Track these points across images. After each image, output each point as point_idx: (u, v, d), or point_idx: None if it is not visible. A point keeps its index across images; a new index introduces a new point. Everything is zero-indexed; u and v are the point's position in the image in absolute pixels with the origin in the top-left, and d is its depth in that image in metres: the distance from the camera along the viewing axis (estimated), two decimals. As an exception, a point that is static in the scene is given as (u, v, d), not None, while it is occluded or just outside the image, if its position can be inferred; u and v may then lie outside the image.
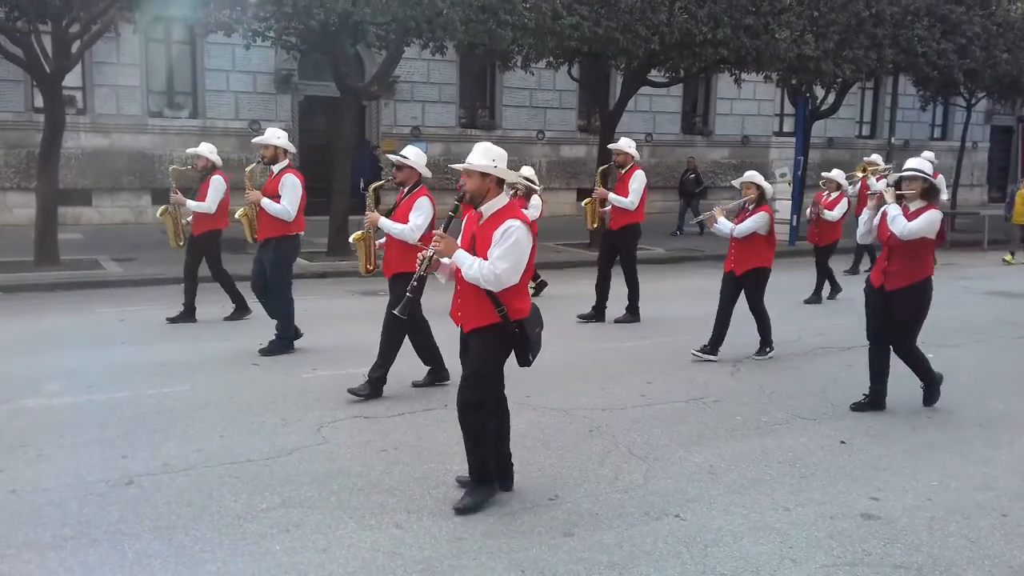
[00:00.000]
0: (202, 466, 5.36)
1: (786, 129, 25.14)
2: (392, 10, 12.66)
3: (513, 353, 4.86)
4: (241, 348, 8.33)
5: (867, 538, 4.58)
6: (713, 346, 8.28)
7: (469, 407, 4.75)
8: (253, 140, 8.78)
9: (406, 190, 6.85)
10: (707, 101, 24.97)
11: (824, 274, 11.79)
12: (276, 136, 8.22)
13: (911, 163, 6.52)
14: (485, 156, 4.70)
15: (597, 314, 9.97)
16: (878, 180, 13.03)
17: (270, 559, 4.22)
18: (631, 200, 9.57)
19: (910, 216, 6.35)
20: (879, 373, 6.77)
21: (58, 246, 12.94)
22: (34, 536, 4.39)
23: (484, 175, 4.68)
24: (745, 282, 8.27)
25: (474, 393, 4.75)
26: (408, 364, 7.26)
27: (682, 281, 13.04)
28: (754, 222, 8.12)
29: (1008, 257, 16.50)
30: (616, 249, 9.97)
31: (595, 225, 10.35)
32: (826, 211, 11.58)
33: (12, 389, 6.84)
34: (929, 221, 6.32)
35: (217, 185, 9.80)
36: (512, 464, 5.06)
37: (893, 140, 19.97)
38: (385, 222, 6.81)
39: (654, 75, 17.61)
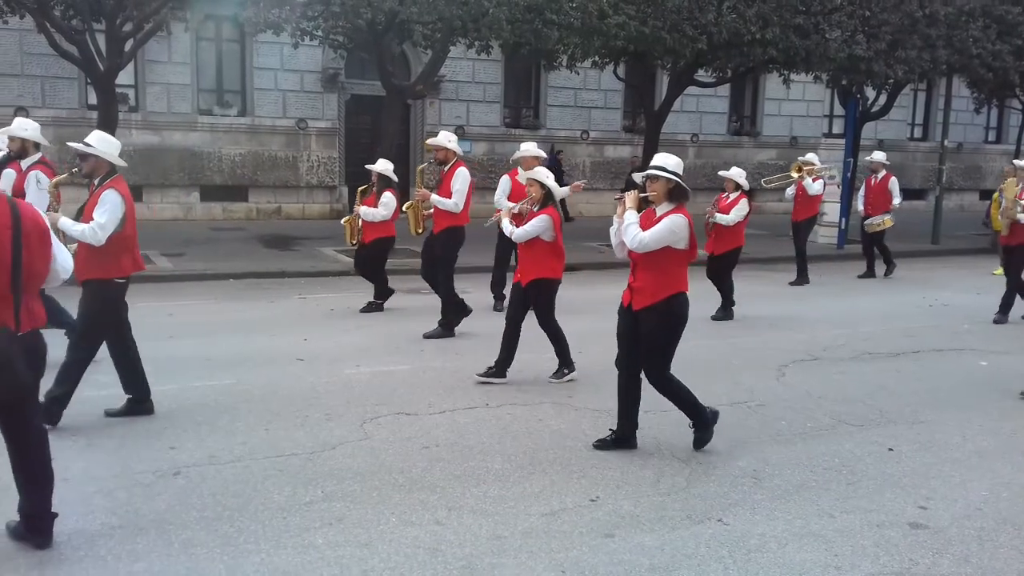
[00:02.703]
0: (247, 458, 5.44)
1: (836, 130, 24.77)
2: (438, 9, 12.71)
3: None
4: (286, 344, 8.43)
5: (914, 547, 4.49)
6: (500, 367, 7.25)
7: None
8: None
9: (96, 182, 5.92)
10: (755, 101, 24.71)
11: (726, 287, 10.31)
12: (23, 128, 7.94)
13: (657, 159, 5.60)
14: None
15: (443, 330, 8.97)
16: (815, 181, 12.79)
17: (313, 552, 4.26)
18: (455, 201, 8.75)
19: (652, 223, 5.50)
20: (628, 406, 5.81)
21: (109, 241, 13.18)
22: (84, 524, 4.49)
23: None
24: (530, 294, 7.23)
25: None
26: (433, 358, 7.28)
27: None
28: (534, 226, 7.05)
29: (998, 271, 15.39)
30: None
31: (420, 231, 9.60)
32: (719, 214, 10.14)
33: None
34: (669, 230, 5.40)
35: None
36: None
37: (946, 143, 19.54)
38: (65, 222, 5.86)
39: (701, 75, 17.50)
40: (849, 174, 17.56)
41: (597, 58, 16.49)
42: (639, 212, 5.59)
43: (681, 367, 7.90)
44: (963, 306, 11.19)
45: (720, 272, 10.31)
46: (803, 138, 24.79)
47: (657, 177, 5.50)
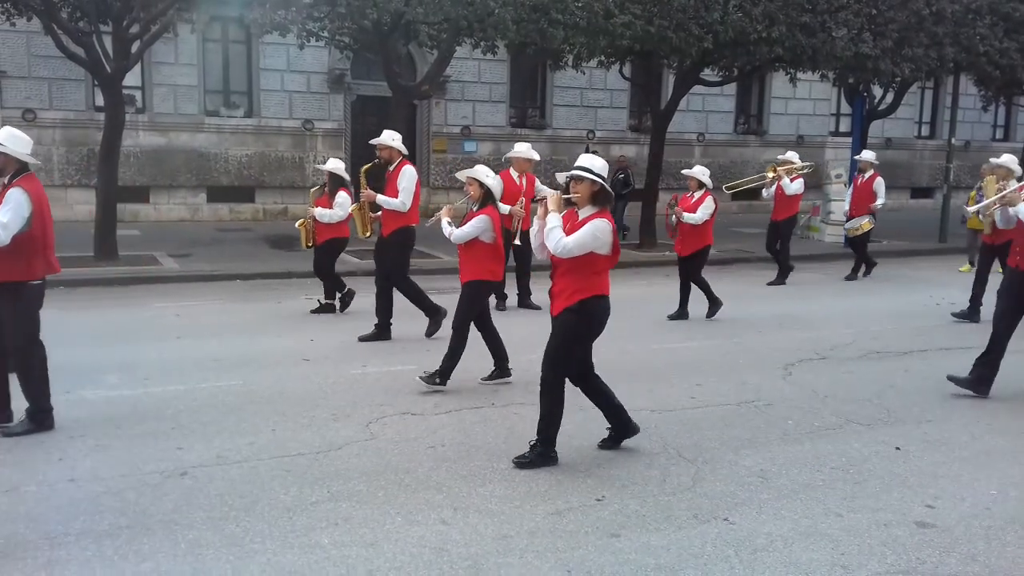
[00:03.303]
0: (254, 459, 5.45)
1: (842, 129, 24.72)
2: (444, 9, 12.72)
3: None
4: (292, 344, 8.45)
5: (922, 546, 4.47)
6: (443, 374, 6.99)
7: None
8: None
9: (6, 181, 5.67)
10: (761, 100, 24.67)
11: (701, 286, 10.12)
12: None
13: (582, 160, 5.39)
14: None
15: (380, 332, 8.74)
16: (793, 181, 12.54)
17: (319, 552, 4.27)
18: (402, 200, 8.43)
19: (575, 226, 5.29)
20: (606, 404, 5.75)
21: (117, 242, 13.25)
22: (91, 524, 4.50)
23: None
24: (464, 292, 7.00)
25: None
26: (439, 358, 7.27)
27: (730, 282, 12.86)
28: (473, 227, 6.82)
29: (965, 267, 14.47)
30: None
31: (367, 234, 9.34)
32: (685, 213, 9.93)
33: (72, 380, 7.01)
34: (592, 235, 5.19)
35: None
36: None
37: (953, 141, 19.46)
38: None
39: (707, 74, 17.45)
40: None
41: (603, 57, 16.47)
42: (560, 214, 5.36)
43: (689, 367, 7.94)
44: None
45: (692, 273, 10.15)
46: (810, 137, 24.75)
47: (582, 179, 5.30)
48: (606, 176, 5.37)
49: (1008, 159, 9.44)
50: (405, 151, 8.73)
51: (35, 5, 12.81)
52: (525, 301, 10.55)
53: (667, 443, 5.90)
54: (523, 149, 10.28)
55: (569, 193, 5.38)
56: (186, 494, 4.89)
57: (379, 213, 8.78)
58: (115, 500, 4.77)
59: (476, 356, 7.29)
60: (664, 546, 4.40)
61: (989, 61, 17.66)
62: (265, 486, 5.03)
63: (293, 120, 19.37)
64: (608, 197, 5.37)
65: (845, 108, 23.05)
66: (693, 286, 10.17)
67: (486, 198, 6.88)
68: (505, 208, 10.15)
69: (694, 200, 10.03)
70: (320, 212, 9.77)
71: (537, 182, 10.39)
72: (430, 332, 8.85)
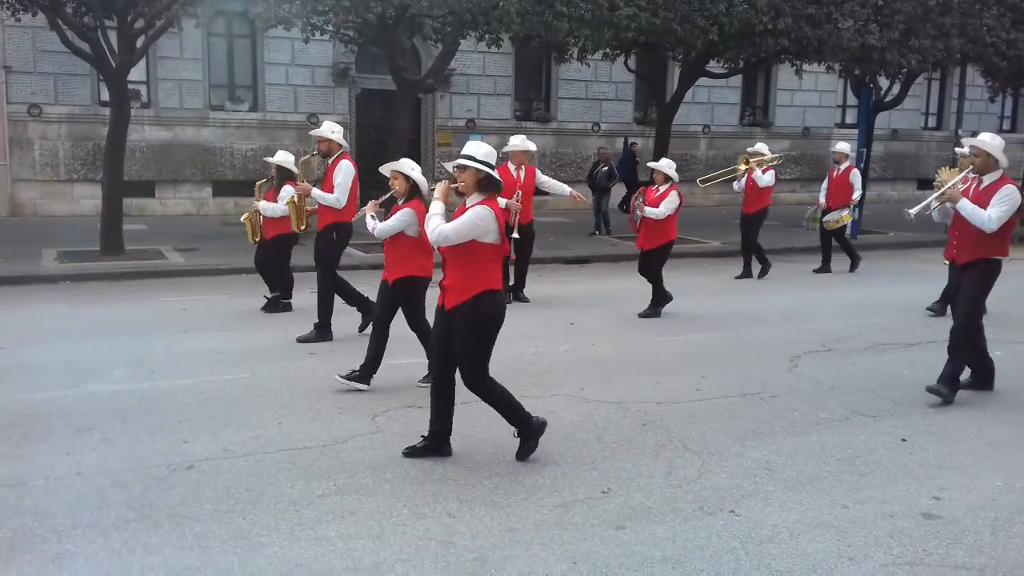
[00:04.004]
0: (260, 452, 5.46)
1: (849, 121, 24.65)
2: (448, 2, 12.70)
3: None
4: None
5: (928, 538, 4.47)
6: (364, 373, 6.80)
7: None
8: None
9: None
10: (767, 92, 24.60)
11: (655, 281, 9.90)
12: None
13: (467, 148, 5.28)
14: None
15: (320, 333, 8.44)
16: (764, 173, 12.27)
17: (325, 544, 4.28)
18: (336, 196, 8.10)
19: (455, 216, 5.16)
20: (442, 410, 5.47)
21: (123, 236, 13.28)
22: (98, 517, 4.52)
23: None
24: (397, 293, 6.70)
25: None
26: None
27: (736, 274, 12.85)
28: (397, 220, 6.48)
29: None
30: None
31: (303, 228, 9.04)
32: (648, 208, 9.64)
33: (79, 374, 7.04)
34: (473, 222, 5.06)
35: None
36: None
37: (960, 132, 19.40)
38: None
39: (712, 66, 17.42)
40: (863, 165, 17.45)
41: (608, 50, 16.45)
42: (448, 203, 5.18)
43: (694, 359, 7.93)
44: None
45: (651, 268, 9.88)
46: (816, 128, 24.69)
47: (465, 167, 5.16)
48: (492, 163, 5.21)
49: (983, 142, 7.05)
50: (345, 144, 8.41)
51: (40, 0, 12.83)
52: (518, 293, 10.50)
53: (673, 435, 5.90)
54: (518, 141, 10.25)
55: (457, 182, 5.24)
56: (193, 487, 4.90)
57: (316, 207, 8.47)
58: (122, 493, 4.79)
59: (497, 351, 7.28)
60: (670, 538, 4.41)
61: (996, 52, 17.59)
62: (271, 479, 5.04)
63: (298, 114, 19.37)
64: (494, 184, 5.22)
65: (851, 100, 23.02)
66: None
67: (412, 192, 6.53)
68: (502, 202, 10.16)
69: (659, 194, 9.77)
70: (264, 206, 9.38)
71: (538, 173, 10.35)
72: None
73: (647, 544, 4.34)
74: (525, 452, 5.42)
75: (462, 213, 5.18)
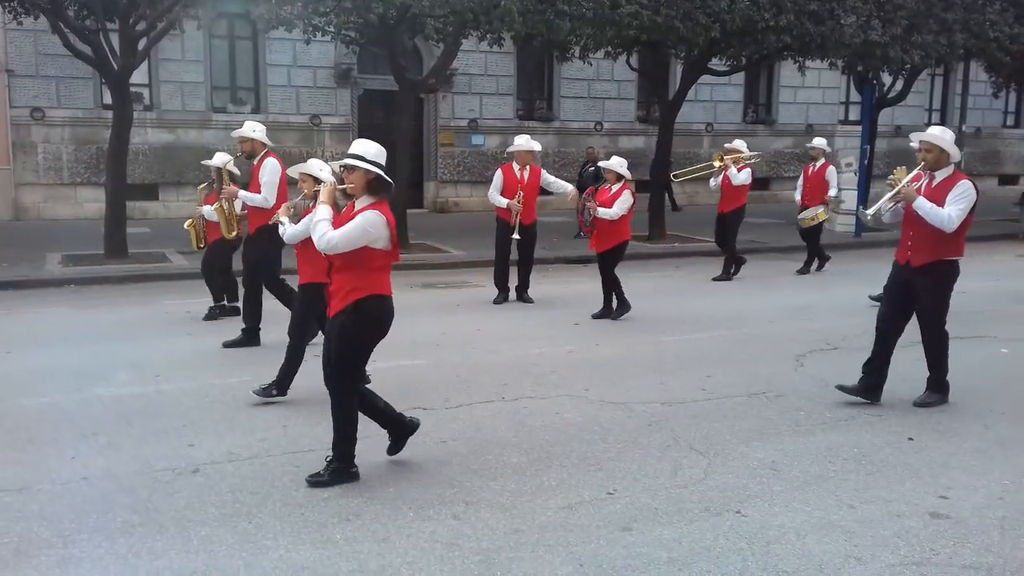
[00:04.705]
0: (265, 455, 5.46)
1: (852, 117, 24.58)
2: (450, 2, 12.68)
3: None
4: (302, 339, 8.44)
5: (935, 537, 4.45)
6: (280, 384, 6.52)
7: None
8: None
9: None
10: (770, 89, 24.55)
11: (612, 284, 9.62)
12: None
13: (356, 147, 5.00)
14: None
15: (248, 337, 8.17)
16: (740, 171, 11.99)
17: (331, 547, 4.27)
18: (264, 196, 7.93)
19: (348, 218, 4.93)
20: (378, 416, 5.32)
21: (127, 239, 13.29)
22: (104, 522, 4.52)
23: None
24: (301, 295, 6.63)
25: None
26: (449, 353, 7.28)
27: (742, 272, 12.82)
28: (307, 225, 5.93)
29: None
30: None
31: (233, 233, 8.79)
32: (601, 208, 9.37)
33: (84, 378, 7.05)
34: (362, 228, 4.80)
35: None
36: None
37: (964, 128, 19.36)
38: None
39: (715, 63, 17.36)
40: (866, 161, 17.41)
41: (610, 48, 16.39)
42: (337, 206, 4.97)
43: (699, 359, 7.91)
44: (982, 293, 11.05)
45: (605, 270, 9.62)
46: (819, 125, 24.58)
47: (354, 168, 4.88)
48: (383, 162, 4.94)
49: (933, 135, 6.43)
50: (268, 143, 8.11)
51: (42, 4, 12.85)
52: (522, 294, 10.49)
53: (678, 436, 5.89)
54: (523, 141, 10.23)
55: (344, 183, 4.98)
56: (198, 491, 4.90)
57: (247, 211, 8.31)
58: (128, 498, 4.79)
59: (498, 351, 7.29)
60: (676, 539, 4.39)
61: (999, 47, 17.53)
62: (276, 482, 5.04)
63: (300, 115, 19.37)
64: (386, 186, 4.95)
65: (854, 96, 22.98)
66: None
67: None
68: (503, 202, 10.15)
69: (611, 193, 9.51)
70: (208, 210, 9.14)
71: (544, 173, 10.34)
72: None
73: (653, 545, 4.33)
74: (319, 479, 4.98)
75: (349, 216, 4.89)
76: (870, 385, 6.60)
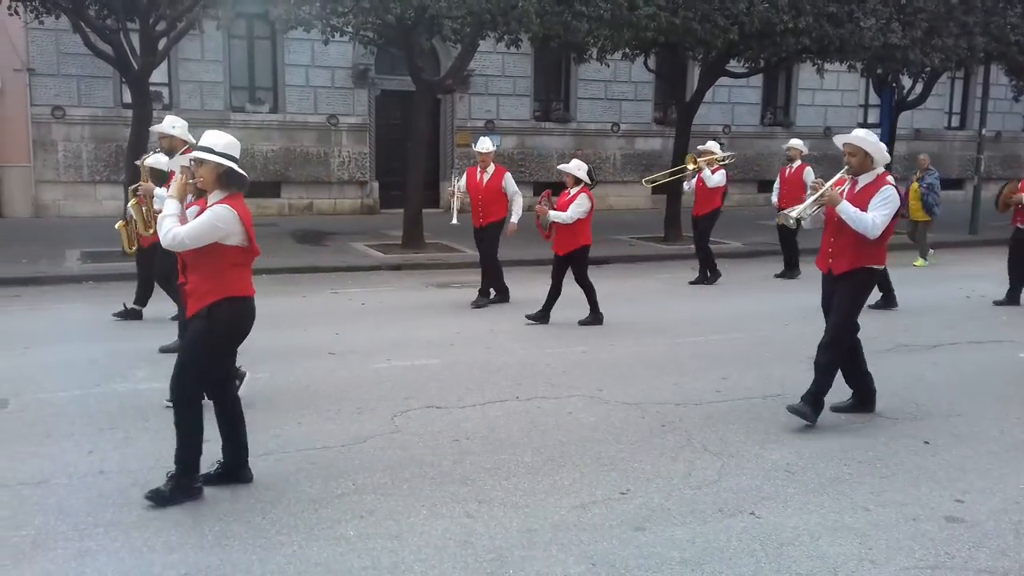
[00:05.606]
0: (280, 452, 5.49)
1: (871, 120, 24.42)
2: (467, 3, 12.70)
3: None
4: (318, 338, 8.49)
5: (951, 541, 4.42)
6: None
7: None
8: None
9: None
10: (788, 91, 24.44)
11: (586, 289, 9.41)
12: None
13: (205, 138, 4.76)
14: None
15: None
16: (714, 173, 11.71)
17: (344, 544, 4.29)
18: None
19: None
20: (227, 428, 5.03)
21: (145, 237, 13.36)
22: (120, 515, 4.55)
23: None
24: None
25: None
26: (463, 352, 7.28)
27: (757, 274, 12.79)
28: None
29: (919, 261, 14.11)
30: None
31: (152, 231, 7.98)
32: (554, 211, 9.15)
33: (102, 374, 7.10)
34: (211, 224, 4.57)
35: None
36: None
37: (984, 132, 19.20)
38: None
39: (733, 65, 17.31)
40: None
41: (627, 50, 16.37)
42: (184, 201, 4.74)
43: (714, 360, 7.89)
44: (1001, 297, 10.97)
45: (576, 276, 9.35)
46: (837, 128, 24.42)
47: (203, 161, 4.62)
48: (235, 154, 4.70)
49: (858, 138, 6.06)
50: (190, 139, 7.58)
51: (63, 3, 12.95)
52: (478, 297, 10.37)
53: (692, 437, 5.88)
54: (485, 143, 10.25)
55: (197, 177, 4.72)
56: (213, 486, 4.92)
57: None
58: (143, 492, 4.81)
59: (513, 350, 7.28)
60: (689, 540, 4.39)
61: (1020, 50, 17.40)
62: (291, 479, 5.07)
63: (318, 115, 19.45)
64: (239, 180, 4.70)
65: (873, 99, 22.84)
66: (577, 288, 9.30)
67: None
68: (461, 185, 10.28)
69: (569, 196, 9.22)
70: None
71: (507, 178, 10.16)
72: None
73: (666, 546, 4.32)
74: (159, 494, 4.66)
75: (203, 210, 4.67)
76: (861, 399, 6.48)
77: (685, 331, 9.13)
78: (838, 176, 6.16)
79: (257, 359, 7.67)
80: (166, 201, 4.74)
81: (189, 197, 5.14)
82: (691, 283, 12.10)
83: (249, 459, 5.11)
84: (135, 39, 13.27)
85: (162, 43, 13.38)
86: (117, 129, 17.64)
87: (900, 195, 6.04)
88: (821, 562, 4.19)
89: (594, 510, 4.72)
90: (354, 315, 9.83)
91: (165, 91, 18.29)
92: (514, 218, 10.16)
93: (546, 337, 8.76)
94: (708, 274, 12.15)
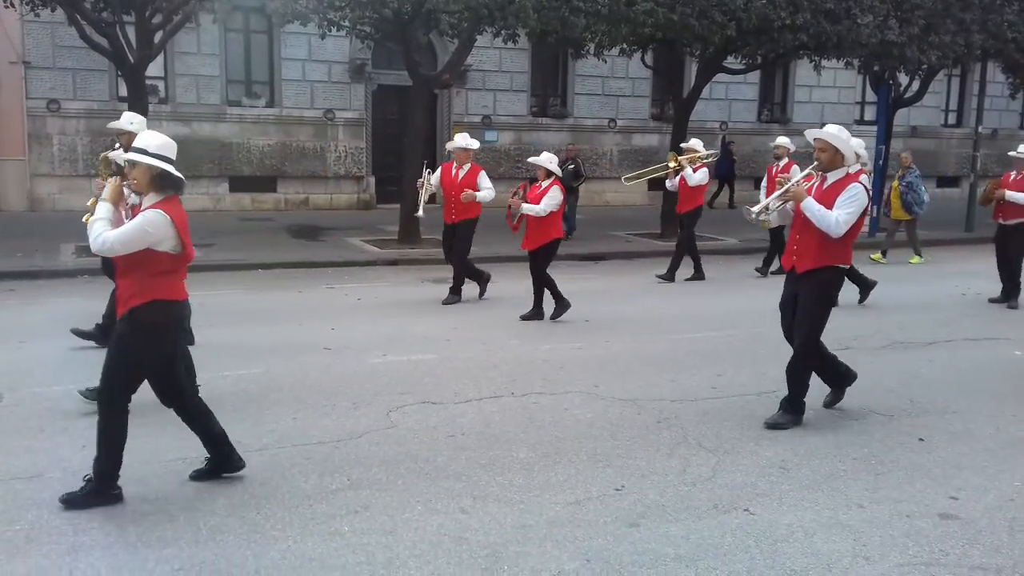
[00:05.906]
0: (275, 447, 5.48)
1: (867, 117, 24.46)
2: (465, -2, 12.69)
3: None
4: (314, 333, 8.48)
5: (945, 538, 4.43)
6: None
7: None
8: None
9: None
10: (785, 88, 24.46)
11: (543, 283, 9.35)
12: None
13: (139, 140, 4.60)
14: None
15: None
16: (696, 171, 11.67)
17: (339, 539, 4.29)
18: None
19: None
20: (204, 432, 4.95)
21: (140, 231, 13.33)
22: (114, 510, 4.54)
23: None
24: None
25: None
26: (459, 348, 7.28)
27: (751, 271, 12.78)
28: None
29: (914, 259, 14.24)
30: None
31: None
32: (526, 205, 9.06)
33: (95, 370, 7.02)
34: (141, 229, 4.42)
35: None
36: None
37: (980, 129, 19.22)
38: None
39: (730, 62, 17.31)
40: (882, 161, 17.32)
41: (625, 45, 16.36)
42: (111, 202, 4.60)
43: (709, 357, 7.89)
44: (998, 295, 11.00)
45: (537, 268, 9.33)
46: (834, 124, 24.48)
47: (135, 163, 4.49)
48: (171, 155, 4.57)
49: (829, 134, 5.92)
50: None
51: (59, -4, 12.91)
52: (450, 294, 10.29)
53: (687, 433, 5.88)
54: (459, 141, 10.11)
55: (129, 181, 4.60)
56: (208, 481, 4.92)
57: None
58: (138, 487, 4.81)
59: (510, 346, 7.27)
60: (684, 536, 4.39)
61: (1017, 48, 17.41)
62: (286, 474, 5.06)
63: (314, 110, 19.42)
64: (174, 182, 4.57)
65: (870, 96, 22.80)
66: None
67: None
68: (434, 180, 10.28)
69: (541, 190, 9.17)
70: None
71: (481, 173, 10.05)
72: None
73: (661, 542, 4.32)
74: (84, 503, 4.52)
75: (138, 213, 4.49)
76: (839, 384, 6.45)
77: (681, 327, 9.14)
78: (806, 172, 6.07)
79: (253, 354, 7.68)
80: (99, 204, 4.58)
81: (134, 198, 4.95)
82: (687, 280, 12.10)
83: (243, 454, 5.10)
84: (131, 32, 13.22)
85: (158, 36, 13.34)
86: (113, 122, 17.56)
87: (868, 194, 5.93)
88: (815, 558, 4.19)
89: (589, 506, 4.72)
90: (350, 310, 9.82)
91: (161, 85, 18.24)
92: (481, 195, 9.87)
93: (542, 333, 8.76)
94: (691, 273, 12.18)
